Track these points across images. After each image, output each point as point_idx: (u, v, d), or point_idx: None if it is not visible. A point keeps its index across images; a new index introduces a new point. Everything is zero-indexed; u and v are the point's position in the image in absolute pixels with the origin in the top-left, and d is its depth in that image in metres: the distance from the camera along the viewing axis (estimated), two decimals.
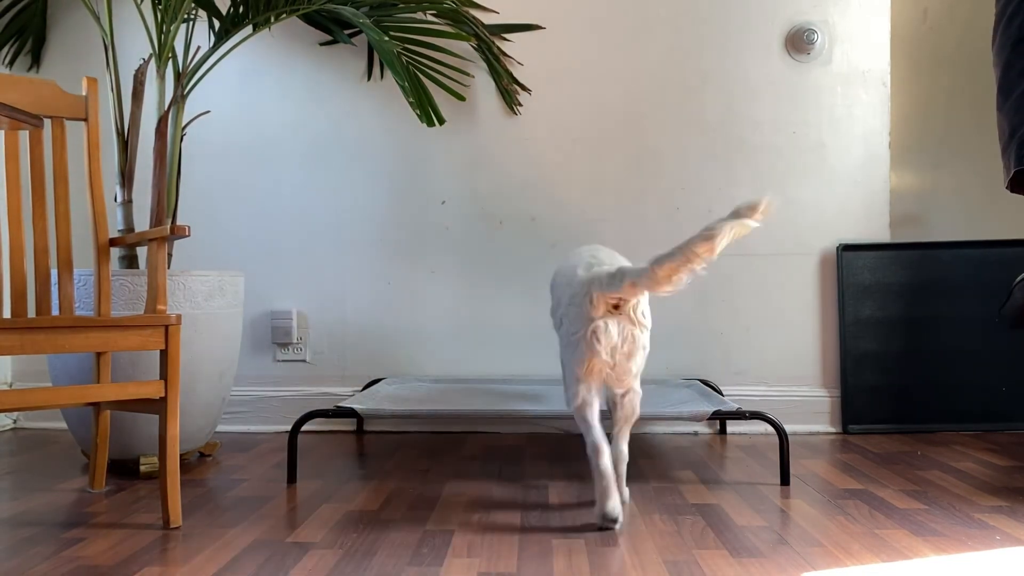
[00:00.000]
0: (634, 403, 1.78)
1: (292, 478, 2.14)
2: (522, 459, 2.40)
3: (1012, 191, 1.95)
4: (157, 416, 1.89)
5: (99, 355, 2.01)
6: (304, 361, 2.91)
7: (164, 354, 1.80)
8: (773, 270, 2.85)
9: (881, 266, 2.80)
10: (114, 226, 2.47)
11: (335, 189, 2.91)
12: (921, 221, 2.86)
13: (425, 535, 1.69)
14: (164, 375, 1.79)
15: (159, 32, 2.39)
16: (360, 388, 2.85)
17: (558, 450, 2.52)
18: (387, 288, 2.90)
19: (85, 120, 2.09)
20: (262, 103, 2.92)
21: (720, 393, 2.64)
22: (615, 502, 1.71)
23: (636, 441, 2.66)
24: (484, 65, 2.81)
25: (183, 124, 2.45)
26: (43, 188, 2.00)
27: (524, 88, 2.86)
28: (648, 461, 2.37)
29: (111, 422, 2.16)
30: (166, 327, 1.80)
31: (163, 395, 1.79)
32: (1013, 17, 1.89)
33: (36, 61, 2.95)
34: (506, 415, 2.26)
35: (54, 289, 2.18)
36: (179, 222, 2.65)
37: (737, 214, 1.52)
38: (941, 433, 2.73)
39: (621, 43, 2.87)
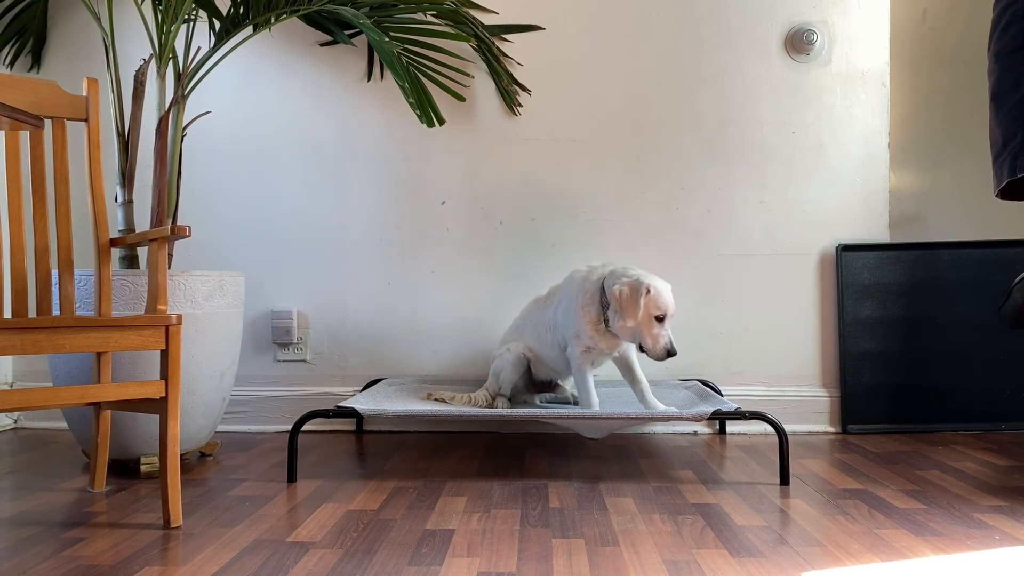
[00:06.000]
0: None
1: (292, 478, 2.15)
2: (522, 459, 2.40)
3: (1002, 198, 1.95)
4: (157, 416, 1.89)
5: (99, 355, 2.01)
6: (304, 361, 2.91)
7: (165, 354, 1.80)
8: (773, 270, 2.85)
9: (880, 266, 2.80)
10: (115, 226, 2.47)
11: (335, 189, 2.91)
12: (920, 221, 2.87)
13: (425, 535, 1.69)
14: (165, 375, 1.80)
15: (159, 32, 2.39)
16: (360, 388, 2.86)
17: (558, 450, 2.53)
18: (387, 288, 2.91)
19: (86, 120, 2.09)
20: (262, 103, 2.92)
21: (719, 393, 2.64)
22: None
23: (636, 441, 2.67)
24: (484, 65, 2.81)
25: (183, 124, 2.45)
26: (44, 188, 2.01)
27: (524, 88, 2.86)
28: (648, 461, 2.37)
29: (112, 422, 2.16)
30: (166, 327, 1.80)
31: (163, 395, 1.79)
32: (1008, 27, 1.88)
33: (37, 61, 2.95)
34: (506, 416, 2.26)
35: (55, 289, 2.18)
36: (180, 222, 2.65)
37: None
38: (941, 433, 2.74)
39: (621, 43, 2.87)
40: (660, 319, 2.17)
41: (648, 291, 2.16)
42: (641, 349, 2.21)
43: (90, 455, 2.13)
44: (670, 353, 2.17)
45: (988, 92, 1.94)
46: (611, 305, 2.21)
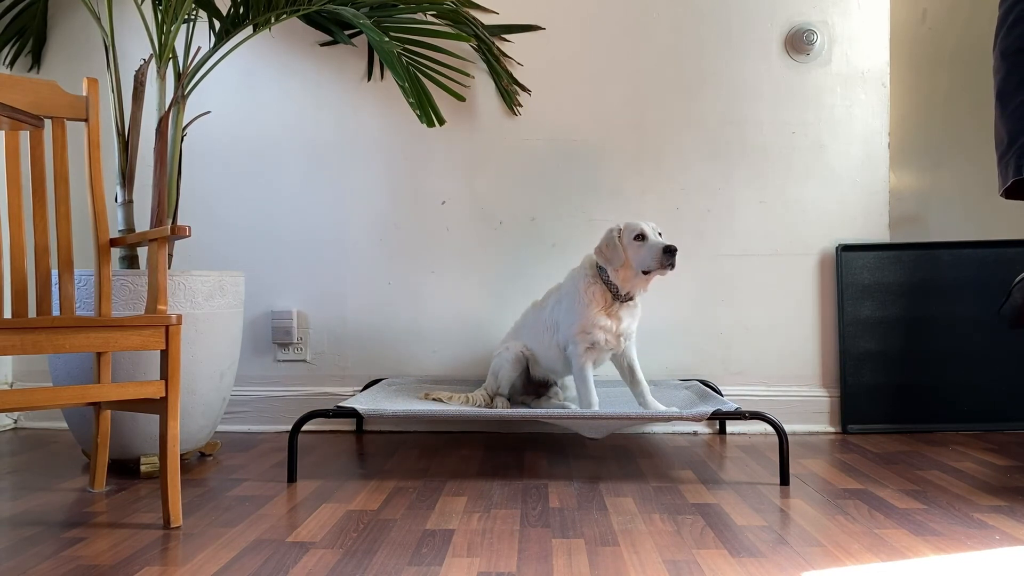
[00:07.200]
0: None
1: (292, 478, 2.15)
2: (522, 459, 2.40)
3: (1007, 198, 1.95)
4: (158, 416, 1.89)
5: (100, 355, 2.01)
6: (304, 361, 2.91)
7: (165, 354, 1.80)
8: (773, 270, 2.85)
9: (880, 266, 2.80)
10: (115, 226, 2.47)
11: (335, 189, 2.91)
12: (920, 221, 2.87)
13: (425, 535, 1.69)
14: (165, 375, 1.80)
15: (159, 32, 2.39)
16: (360, 388, 2.85)
17: (558, 450, 2.53)
18: (387, 288, 2.91)
19: (86, 120, 2.09)
20: (262, 104, 2.92)
21: (719, 393, 2.64)
22: None
23: (636, 441, 2.67)
24: (484, 66, 2.81)
25: (183, 124, 2.45)
26: (44, 188, 2.01)
27: (524, 88, 2.86)
28: (648, 461, 2.37)
29: (112, 422, 2.16)
30: (167, 327, 1.80)
31: (164, 395, 1.79)
32: (1014, 26, 1.88)
33: (37, 61, 2.95)
34: (506, 416, 2.26)
35: (55, 289, 2.18)
36: (180, 222, 2.65)
37: None
38: (941, 433, 2.74)
39: (621, 43, 2.87)
40: (642, 237, 2.24)
41: (619, 229, 2.27)
42: (649, 272, 2.25)
43: (90, 455, 2.13)
44: (669, 249, 2.19)
45: (993, 91, 1.93)
46: (607, 270, 2.28)
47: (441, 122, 2.63)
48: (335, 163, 2.91)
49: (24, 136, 2.41)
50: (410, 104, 2.58)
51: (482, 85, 2.87)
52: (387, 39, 2.52)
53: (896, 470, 2.24)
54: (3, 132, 2.06)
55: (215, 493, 2.04)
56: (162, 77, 2.41)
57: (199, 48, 2.51)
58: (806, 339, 2.85)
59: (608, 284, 2.28)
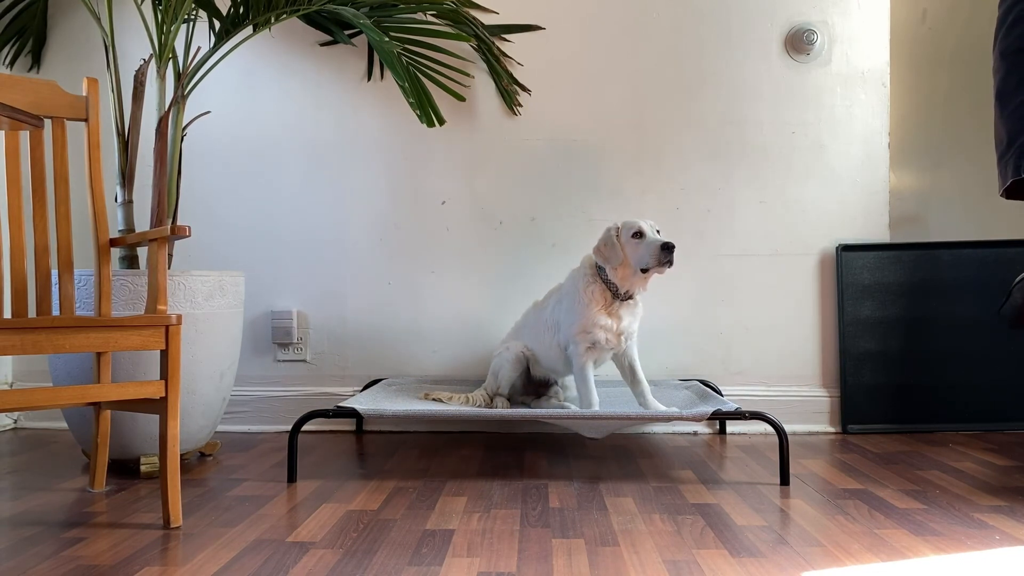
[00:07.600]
0: None
1: (292, 478, 2.15)
2: (522, 459, 2.40)
3: (1007, 198, 1.95)
4: (157, 416, 1.89)
5: (99, 355, 2.01)
6: (304, 361, 2.91)
7: (164, 354, 1.80)
8: (773, 270, 2.85)
9: (880, 266, 2.80)
10: (115, 226, 2.47)
11: (335, 189, 2.91)
12: (920, 221, 2.87)
13: (425, 535, 1.69)
14: (164, 375, 1.80)
15: (159, 32, 2.39)
16: (360, 388, 2.86)
17: (558, 450, 2.53)
18: (387, 288, 2.91)
19: (85, 120, 2.09)
20: (262, 103, 2.92)
21: (719, 393, 2.64)
22: None
23: (636, 441, 2.67)
24: (484, 65, 2.81)
25: (183, 124, 2.45)
26: (44, 188, 2.01)
27: (524, 88, 2.86)
28: (648, 461, 2.37)
29: (112, 422, 2.16)
30: (166, 327, 1.80)
31: (163, 395, 1.79)
32: (1013, 26, 1.88)
33: (36, 61, 2.95)
34: (506, 416, 2.26)
35: (55, 289, 2.18)
36: (179, 222, 2.65)
37: None
38: (941, 433, 2.74)
39: (621, 43, 2.87)
40: (640, 235, 2.24)
41: (617, 227, 2.28)
42: (647, 271, 2.24)
43: (90, 455, 2.13)
44: (667, 247, 2.19)
45: (993, 91, 1.94)
46: (606, 269, 2.28)
47: (441, 122, 2.63)
48: (335, 163, 2.91)
49: (24, 136, 2.41)
50: (410, 104, 2.58)
51: (482, 85, 2.87)
52: (387, 39, 2.52)
53: (896, 470, 2.24)
54: (3, 132, 2.06)
55: (215, 493, 2.04)
56: (162, 77, 2.41)
57: (199, 48, 2.51)
58: (806, 339, 2.85)
59: (607, 283, 2.29)
